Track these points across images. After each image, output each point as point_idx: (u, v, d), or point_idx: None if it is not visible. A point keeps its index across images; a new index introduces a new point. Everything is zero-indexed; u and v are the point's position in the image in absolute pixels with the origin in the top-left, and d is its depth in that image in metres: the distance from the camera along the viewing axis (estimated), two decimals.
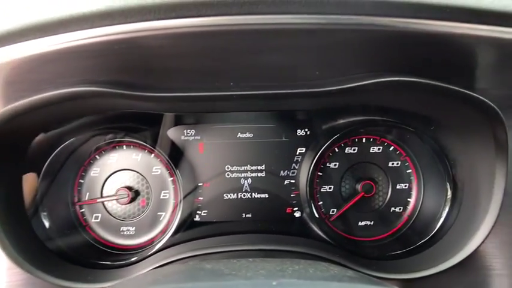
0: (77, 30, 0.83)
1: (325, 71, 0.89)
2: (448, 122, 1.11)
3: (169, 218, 1.29)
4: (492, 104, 0.93)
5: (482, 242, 1.04)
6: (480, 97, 0.93)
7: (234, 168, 1.29)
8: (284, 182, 1.29)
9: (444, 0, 0.80)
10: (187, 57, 0.84)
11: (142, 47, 0.82)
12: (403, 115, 1.17)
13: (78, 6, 0.80)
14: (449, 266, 1.06)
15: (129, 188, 1.29)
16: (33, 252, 1.07)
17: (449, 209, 1.19)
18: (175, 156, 1.27)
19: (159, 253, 1.17)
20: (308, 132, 1.28)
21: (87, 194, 1.31)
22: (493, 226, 1.03)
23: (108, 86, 0.89)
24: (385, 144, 1.29)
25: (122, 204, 1.30)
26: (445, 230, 1.17)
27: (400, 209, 1.30)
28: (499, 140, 0.98)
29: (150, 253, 1.20)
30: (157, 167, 1.30)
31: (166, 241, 1.22)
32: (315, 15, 0.80)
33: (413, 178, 1.30)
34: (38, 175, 1.20)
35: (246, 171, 1.29)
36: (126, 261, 1.20)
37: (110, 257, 1.26)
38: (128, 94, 0.89)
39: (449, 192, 1.20)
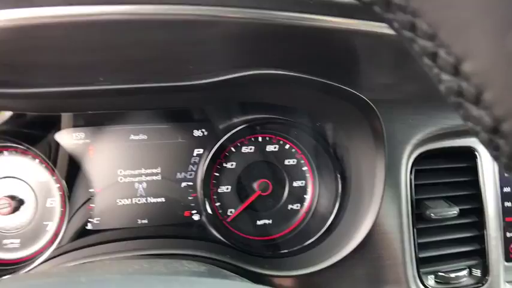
0: None
1: (200, 65, 0.87)
2: (332, 118, 1.14)
3: (57, 228, 1.20)
4: (366, 99, 0.96)
5: (368, 234, 1.07)
6: (355, 92, 0.96)
7: (127, 172, 1.23)
8: (181, 184, 1.25)
9: None
10: (47, 50, 0.78)
11: None
12: (291, 112, 1.18)
13: None
14: (339, 259, 1.08)
15: (12, 197, 1.19)
16: None
17: (339, 203, 1.21)
18: (62, 161, 1.19)
19: (39, 266, 1.09)
20: (205, 133, 1.25)
21: None
22: (376, 217, 1.07)
23: None
24: (281, 142, 1.30)
25: (4, 215, 1.19)
26: (336, 224, 1.19)
27: (297, 206, 1.31)
28: (377, 133, 1.02)
29: (32, 266, 1.11)
30: (43, 174, 1.21)
31: (52, 252, 1.14)
32: (187, 6, 0.77)
33: (308, 175, 1.31)
34: None
35: (140, 175, 1.23)
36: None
37: None
38: None
39: (339, 187, 1.22)
